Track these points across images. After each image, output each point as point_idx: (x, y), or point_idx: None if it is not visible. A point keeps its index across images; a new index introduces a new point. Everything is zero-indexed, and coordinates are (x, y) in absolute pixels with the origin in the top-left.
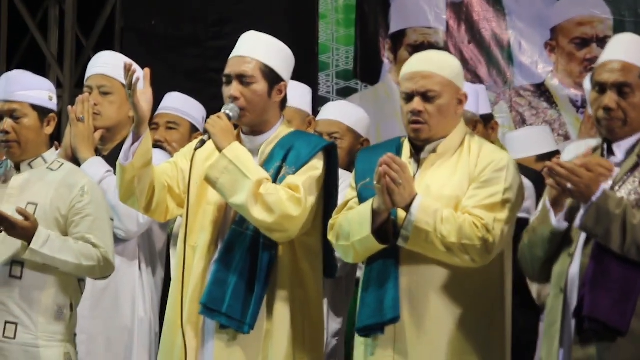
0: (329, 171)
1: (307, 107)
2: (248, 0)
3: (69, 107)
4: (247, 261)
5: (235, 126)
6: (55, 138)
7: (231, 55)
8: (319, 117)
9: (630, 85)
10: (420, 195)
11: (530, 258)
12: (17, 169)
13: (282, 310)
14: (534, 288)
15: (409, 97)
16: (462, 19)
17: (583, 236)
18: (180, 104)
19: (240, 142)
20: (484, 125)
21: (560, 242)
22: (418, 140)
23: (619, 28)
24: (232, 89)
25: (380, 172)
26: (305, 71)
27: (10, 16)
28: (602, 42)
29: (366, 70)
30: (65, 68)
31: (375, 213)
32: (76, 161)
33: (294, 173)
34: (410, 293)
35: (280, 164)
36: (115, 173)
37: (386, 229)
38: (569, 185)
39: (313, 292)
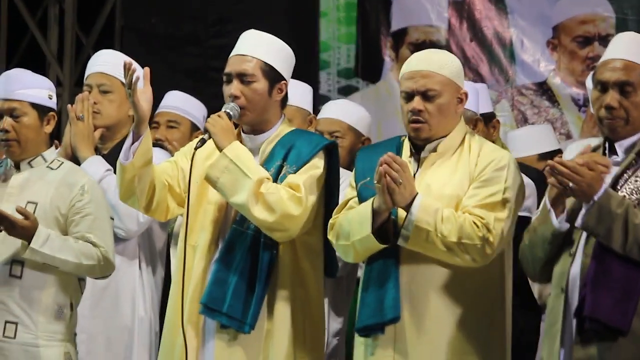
0: (330, 170)
1: (308, 105)
2: None
3: (69, 105)
4: (248, 261)
5: (236, 125)
6: (55, 137)
7: (231, 54)
8: (320, 116)
9: (632, 84)
10: (420, 195)
11: (531, 258)
12: (17, 167)
13: (282, 310)
14: (535, 288)
15: (409, 96)
16: (464, 17)
17: (584, 236)
18: (181, 103)
19: (241, 141)
20: (486, 124)
21: (561, 242)
22: (418, 139)
23: (621, 26)
24: (233, 88)
25: (381, 171)
26: (306, 69)
27: (10, 15)
28: (604, 40)
29: (367, 68)
30: (65, 67)
31: (375, 212)
32: (76, 160)
33: (294, 172)
34: (411, 293)
35: (281, 163)
36: (115, 172)
37: (386, 228)
38: (571, 184)
39: (314, 292)
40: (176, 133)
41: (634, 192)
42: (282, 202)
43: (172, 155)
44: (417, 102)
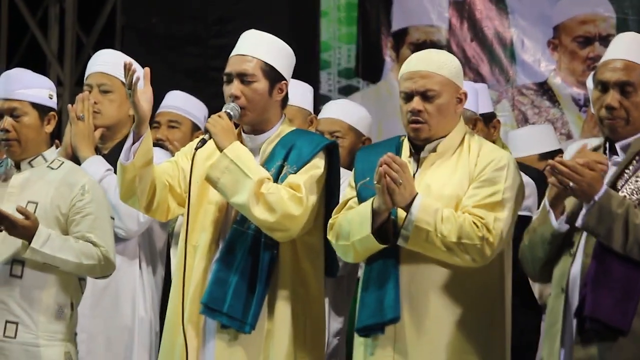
0: (331, 170)
1: (309, 105)
2: None
3: (69, 105)
4: (248, 261)
5: (237, 125)
6: (56, 136)
7: (232, 54)
8: (320, 116)
9: (633, 84)
10: (420, 195)
11: (531, 258)
12: (18, 167)
13: (283, 310)
14: (535, 288)
15: (408, 97)
16: (465, 17)
17: (584, 236)
18: (181, 103)
19: (241, 141)
20: (486, 124)
21: (561, 243)
22: (418, 139)
23: (622, 26)
24: (233, 88)
25: (381, 171)
26: (307, 69)
27: (11, 14)
28: (604, 40)
29: (368, 68)
30: (66, 66)
31: (375, 213)
32: (76, 160)
33: (295, 172)
34: (410, 293)
35: (281, 163)
36: (115, 172)
37: (386, 228)
38: (571, 184)
39: (314, 292)
40: (177, 133)
41: (634, 192)
42: (283, 202)
43: (173, 155)
44: (416, 103)
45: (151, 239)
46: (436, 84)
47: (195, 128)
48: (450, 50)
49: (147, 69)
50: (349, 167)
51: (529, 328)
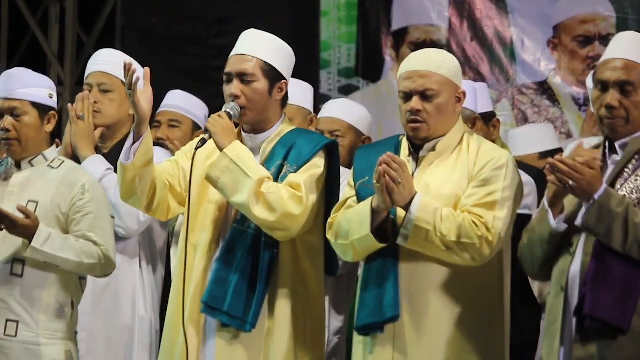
0: (331, 169)
1: (309, 104)
2: None
3: (69, 105)
4: (249, 260)
5: (237, 124)
6: (56, 136)
7: (231, 54)
8: (320, 115)
9: (633, 83)
10: (419, 194)
11: (530, 258)
12: (18, 166)
13: (283, 309)
14: (535, 286)
15: (407, 96)
16: (465, 17)
17: (584, 234)
18: (182, 102)
19: (242, 140)
20: (486, 123)
21: (559, 243)
22: (417, 139)
23: (621, 26)
24: (233, 88)
25: (380, 171)
26: (307, 69)
27: (11, 14)
28: (604, 39)
29: (368, 67)
30: (66, 66)
31: (374, 212)
32: (76, 159)
33: (295, 171)
34: (410, 292)
35: (281, 162)
36: (115, 171)
37: (385, 227)
38: (571, 182)
39: (315, 290)
40: (178, 132)
41: (634, 191)
42: (283, 201)
43: (173, 155)
44: (415, 102)
45: (151, 238)
46: (435, 84)
47: (195, 127)
48: (450, 50)
49: (147, 69)
50: (348, 166)
51: (528, 327)
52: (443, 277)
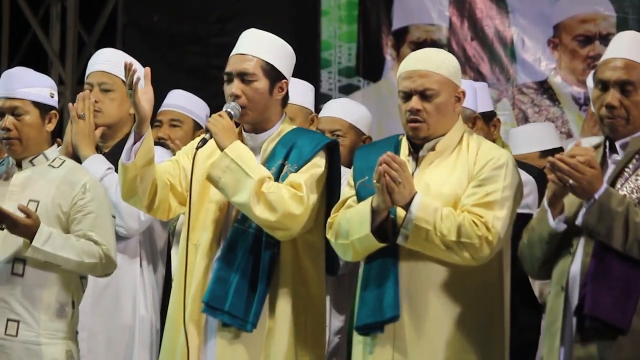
0: (331, 169)
1: (310, 104)
2: None
3: (70, 104)
4: (250, 259)
5: (237, 124)
6: (57, 135)
7: (232, 53)
8: (321, 115)
9: (633, 83)
10: (419, 194)
11: (530, 257)
12: (19, 166)
13: (284, 308)
14: (535, 286)
15: (406, 96)
16: (465, 16)
17: (584, 234)
18: (183, 102)
19: (242, 140)
20: (486, 122)
21: (559, 243)
22: (416, 138)
23: (622, 25)
24: (234, 87)
25: (380, 170)
26: (307, 68)
27: (12, 13)
28: (605, 39)
29: (368, 67)
30: (67, 65)
31: (374, 211)
32: (77, 158)
33: (296, 171)
34: (410, 291)
35: (282, 162)
36: (116, 170)
37: (385, 227)
38: (571, 181)
39: (315, 290)
40: (179, 132)
41: (634, 190)
42: (284, 201)
43: (174, 154)
44: (415, 102)
45: (152, 237)
46: (435, 83)
47: (197, 127)
48: (450, 49)
49: (148, 69)
50: (349, 166)
51: (529, 326)
52: (443, 276)
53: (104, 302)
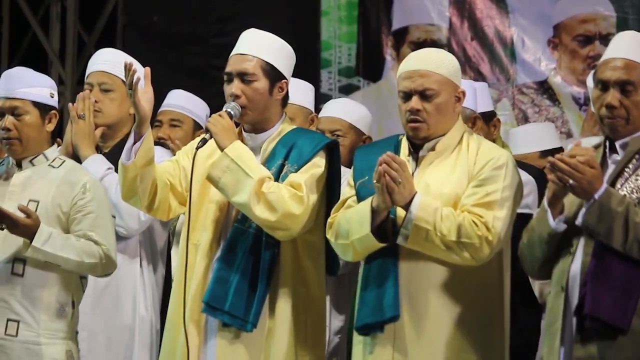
0: (331, 169)
1: (310, 104)
2: None
3: (70, 104)
4: (250, 259)
5: (237, 124)
6: (57, 135)
7: (232, 53)
8: (321, 115)
9: (633, 83)
10: (419, 194)
11: (529, 257)
12: (19, 166)
13: (284, 308)
14: (535, 286)
15: (406, 96)
16: (465, 16)
17: (584, 234)
18: (183, 102)
19: (242, 140)
20: (486, 122)
21: (559, 243)
22: (416, 138)
23: (622, 25)
24: (234, 87)
25: (380, 170)
26: (307, 68)
27: (12, 13)
28: (605, 39)
29: (368, 67)
30: (67, 65)
31: (374, 211)
32: (77, 158)
33: (296, 171)
34: (410, 291)
35: (282, 162)
36: (116, 170)
37: (385, 227)
38: (571, 181)
39: (315, 290)
40: (179, 132)
41: (634, 190)
42: (284, 201)
43: (174, 154)
44: (415, 102)
45: (152, 237)
46: (434, 83)
47: (197, 127)
48: (450, 50)
49: (148, 69)
50: (349, 166)
51: (529, 327)
52: (443, 276)
53: (104, 302)
